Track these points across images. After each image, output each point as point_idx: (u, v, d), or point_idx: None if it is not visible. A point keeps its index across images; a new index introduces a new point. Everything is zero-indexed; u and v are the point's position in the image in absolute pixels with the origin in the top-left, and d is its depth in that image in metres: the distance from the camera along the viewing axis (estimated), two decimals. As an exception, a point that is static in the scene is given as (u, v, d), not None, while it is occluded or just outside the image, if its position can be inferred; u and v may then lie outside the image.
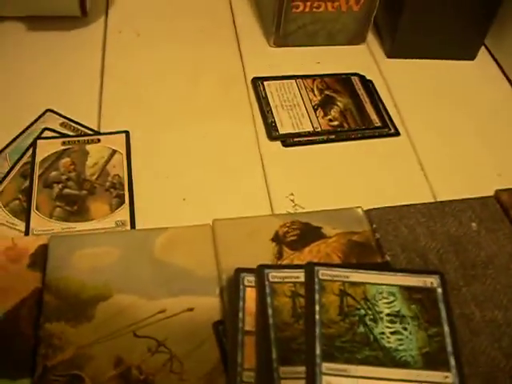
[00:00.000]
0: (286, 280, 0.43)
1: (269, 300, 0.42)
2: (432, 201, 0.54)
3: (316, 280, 0.43)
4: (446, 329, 0.42)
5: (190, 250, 0.48)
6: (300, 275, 0.44)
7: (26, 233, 0.51)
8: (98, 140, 0.58)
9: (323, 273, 0.44)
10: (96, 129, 0.59)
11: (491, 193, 0.54)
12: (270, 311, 0.42)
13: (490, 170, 0.58)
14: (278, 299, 0.42)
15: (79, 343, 0.42)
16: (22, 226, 0.51)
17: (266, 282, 0.43)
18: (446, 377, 0.40)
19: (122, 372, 0.41)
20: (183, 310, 0.44)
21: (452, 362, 0.40)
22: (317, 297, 0.42)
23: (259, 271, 0.44)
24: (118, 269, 0.47)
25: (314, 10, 0.64)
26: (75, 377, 0.41)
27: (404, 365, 0.40)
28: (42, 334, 0.42)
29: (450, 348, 0.41)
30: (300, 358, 0.40)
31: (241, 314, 0.42)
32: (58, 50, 0.66)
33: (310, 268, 0.44)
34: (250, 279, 0.44)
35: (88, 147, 0.57)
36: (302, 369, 0.39)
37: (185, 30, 0.70)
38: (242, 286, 0.43)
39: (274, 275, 0.44)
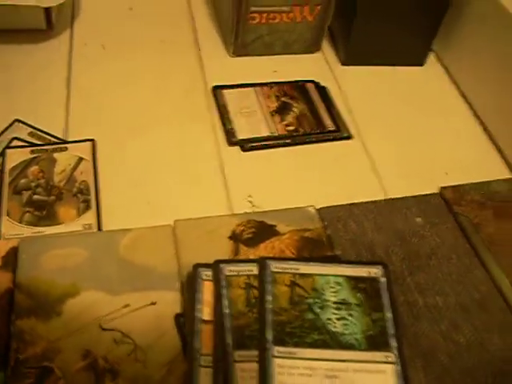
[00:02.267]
0: (241, 273, 0.47)
1: (224, 292, 0.45)
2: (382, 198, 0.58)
3: (268, 272, 0.47)
4: (389, 314, 0.45)
5: (152, 249, 0.51)
6: (254, 269, 0.47)
7: (-3, 237, 0.54)
8: (66, 148, 0.61)
9: (275, 266, 0.47)
10: (63, 138, 0.62)
11: (437, 191, 0.58)
12: (225, 302, 0.45)
13: (438, 169, 0.62)
14: (233, 291, 0.46)
15: (49, 338, 0.45)
16: (-8, 231, 0.54)
17: (222, 276, 0.46)
18: (388, 356, 0.43)
19: (90, 363, 0.44)
20: (146, 304, 0.48)
21: (393, 343, 0.44)
22: (269, 288, 0.46)
23: (215, 266, 0.47)
24: (85, 268, 0.49)
25: (270, 21, 0.68)
26: (46, 368, 0.43)
27: (349, 347, 0.43)
28: (14, 330, 0.45)
29: (391, 331, 0.45)
30: (253, 343, 0.43)
31: (198, 305, 0.45)
32: (25, 63, 0.69)
33: (262, 262, 0.47)
34: (207, 273, 0.47)
35: (56, 155, 0.60)
36: (256, 353, 0.43)
37: (148, 41, 0.73)
38: (199, 280, 0.46)
39: (229, 269, 0.47)
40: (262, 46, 0.70)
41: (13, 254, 0.50)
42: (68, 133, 0.62)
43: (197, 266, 0.47)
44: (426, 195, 0.56)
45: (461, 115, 0.68)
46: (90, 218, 0.56)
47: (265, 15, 0.67)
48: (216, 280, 0.46)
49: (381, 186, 0.60)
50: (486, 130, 0.66)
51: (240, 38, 0.69)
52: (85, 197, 0.57)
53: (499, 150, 0.63)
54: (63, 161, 0.60)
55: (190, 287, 0.46)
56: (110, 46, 0.72)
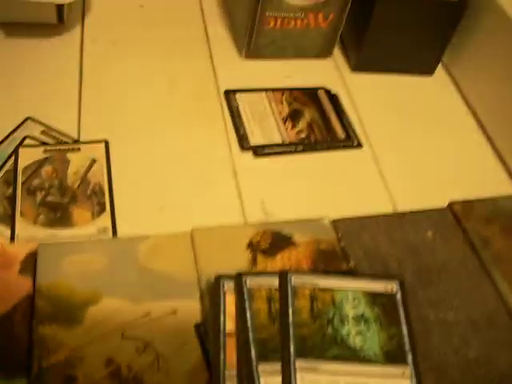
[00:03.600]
0: (263, 286, 0.48)
1: (247, 304, 0.46)
2: (391, 209, 0.59)
3: (289, 286, 0.48)
4: (405, 329, 0.47)
5: (171, 257, 0.52)
6: (275, 281, 0.48)
7: (12, 238, 0.53)
8: (79, 149, 0.61)
9: (296, 279, 0.48)
10: (76, 137, 0.62)
11: (445, 203, 0.59)
12: (248, 314, 0.46)
13: (445, 181, 0.63)
14: (255, 304, 0.47)
15: (71, 345, 0.46)
16: (6, 231, 0.54)
17: (244, 288, 0.47)
18: (404, 372, 0.45)
19: (113, 371, 0.45)
20: (167, 313, 0.48)
21: (409, 358, 0.46)
22: (290, 301, 0.47)
23: (238, 278, 0.48)
24: (106, 275, 0.50)
25: (285, 26, 0.68)
26: (70, 376, 0.44)
27: (367, 361, 0.45)
28: (36, 337, 0.46)
29: (407, 346, 0.46)
30: (276, 356, 0.44)
31: (222, 317, 0.46)
32: (36, 58, 0.68)
33: (283, 275, 0.48)
34: (229, 285, 0.48)
35: (69, 155, 0.60)
36: (278, 366, 0.44)
37: (159, 40, 0.73)
38: (222, 292, 0.47)
39: (251, 282, 0.48)
40: (274, 50, 0.71)
41: (32, 259, 0.50)
42: (81, 132, 0.62)
43: (219, 277, 0.48)
44: (437, 209, 0.58)
45: (468, 128, 0.70)
46: (104, 221, 0.56)
47: (279, 20, 0.67)
48: (239, 292, 0.47)
49: (389, 195, 0.61)
50: (492, 144, 0.68)
51: (253, 42, 0.69)
52: (99, 199, 0.57)
53: (505, 165, 0.65)
54: (76, 161, 0.60)
55: (212, 298, 0.47)
56: (120, 43, 0.72)
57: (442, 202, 0.59)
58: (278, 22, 0.68)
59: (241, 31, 0.70)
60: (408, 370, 0.45)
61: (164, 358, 0.46)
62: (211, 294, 0.48)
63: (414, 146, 0.66)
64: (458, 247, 0.55)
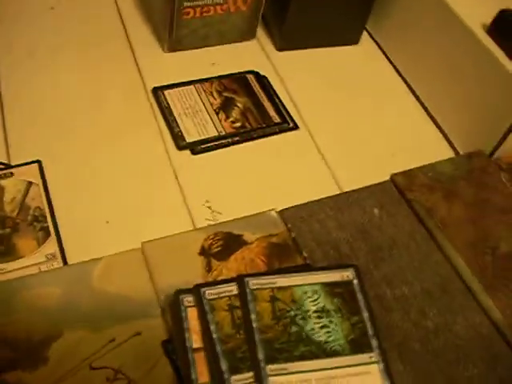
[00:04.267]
0: (222, 295, 0.48)
1: (209, 317, 0.47)
2: (337, 190, 0.60)
3: (248, 290, 0.48)
4: (366, 315, 0.48)
5: (125, 276, 0.51)
6: (233, 288, 0.48)
7: (-42, 279, 0.52)
8: (11, 174, 0.58)
9: (253, 283, 0.49)
10: (6, 161, 0.59)
11: (388, 175, 0.60)
12: (212, 327, 0.46)
13: (384, 151, 0.64)
14: (218, 314, 0.47)
15: (40, 387, 0.45)
16: (-49, 273, 0.52)
17: (204, 300, 0.47)
18: (371, 357, 0.47)
19: (87, 405, 0.45)
20: (131, 335, 0.48)
21: (374, 343, 0.47)
22: (251, 306, 0.47)
23: (196, 291, 0.48)
24: (63, 306, 0.49)
25: (204, 14, 0.66)
26: (43, 420, 0.44)
27: (335, 354, 0.46)
28: (2, 385, 0.45)
29: (370, 331, 0.48)
30: (246, 365, 0.45)
31: (187, 334, 0.46)
32: None
33: (240, 280, 0.49)
34: (189, 299, 0.48)
35: (2, 182, 0.58)
36: (250, 374, 0.45)
37: (76, 43, 0.70)
38: (183, 307, 0.47)
39: (210, 292, 0.48)
40: (196, 39, 0.69)
41: (-17, 302, 0.49)
42: (10, 155, 0.60)
43: (178, 292, 0.48)
44: (379, 184, 0.59)
45: (399, 95, 0.71)
46: (51, 246, 0.55)
47: (198, 9, 0.65)
48: (199, 305, 0.47)
49: (332, 176, 0.62)
50: (424, 108, 0.69)
51: (174, 34, 0.67)
52: (41, 224, 0.56)
53: (439, 128, 0.66)
54: (11, 187, 0.58)
55: (174, 314, 0.47)
56: (36, 52, 0.68)
57: (385, 175, 0.60)
58: (198, 11, 0.66)
59: (160, 25, 0.68)
60: (374, 354, 0.47)
61: (136, 382, 0.46)
62: (172, 310, 0.48)
63: (349, 120, 0.67)
64: (405, 220, 0.57)
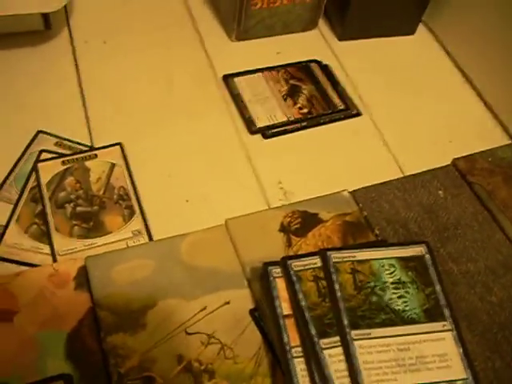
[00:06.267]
0: (307, 267, 0.52)
1: (297, 286, 0.50)
2: (399, 173, 0.63)
3: (330, 263, 0.52)
4: (438, 287, 0.52)
5: (211, 251, 0.55)
6: (317, 261, 0.52)
7: (52, 254, 0.55)
8: (95, 155, 0.62)
9: (335, 256, 0.52)
10: (89, 143, 0.63)
11: (448, 160, 0.63)
12: (300, 295, 0.50)
13: (442, 138, 0.67)
14: (304, 284, 0.51)
15: (141, 349, 0.49)
16: (46, 248, 0.56)
17: (291, 271, 0.51)
18: (445, 325, 0.50)
19: (185, 366, 0.49)
20: (221, 304, 0.52)
21: (446, 312, 0.51)
22: (334, 277, 0.51)
23: (283, 262, 0.52)
24: (155, 278, 0.53)
25: (271, 5, 0.70)
26: (147, 378, 0.48)
27: (411, 321, 0.50)
28: (107, 347, 0.49)
29: (443, 302, 0.51)
30: (333, 330, 0.49)
31: (277, 302, 0.50)
32: (30, 68, 0.68)
33: (323, 254, 0.52)
34: (277, 271, 0.51)
35: (88, 163, 0.61)
36: (337, 338, 0.48)
37: (148, 31, 0.74)
38: (271, 278, 0.51)
39: (296, 264, 0.52)
40: (262, 29, 0.73)
41: (83, 274, 0.53)
42: (93, 138, 0.63)
43: (266, 264, 0.52)
44: (442, 168, 0.63)
45: (456, 84, 0.73)
46: (137, 223, 0.59)
47: (266, 0, 0.69)
48: (287, 277, 0.51)
49: (395, 161, 0.65)
50: (481, 97, 0.72)
51: (243, 24, 0.71)
52: (126, 203, 0.60)
53: (496, 117, 0.69)
54: (96, 168, 0.61)
55: (263, 285, 0.51)
56: (110, 40, 0.72)
57: (445, 161, 0.64)
58: (265, 2, 0.69)
59: (228, 15, 0.71)
60: (447, 323, 0.50)
61: (228, 346, 0.50)
62: (261, 281, 0.51)
63: (408, 108, 0.70)
64: (467, 202, 0.60)
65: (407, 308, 0.51)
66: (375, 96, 0.71)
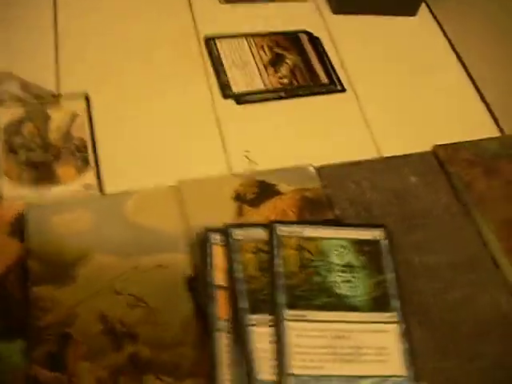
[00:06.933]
0: (250, 237, 0.49)
1: (234, 256, 0.47)
2: (376, 155, 0.59)
3: (275, 236, 0.48)
4: (390, 275, 0.48)
5: (158, 211, 0.52)
6: (262, 232, 0.49)
7: (-3, 198, 0.54)
8: (59, 103, 0.60)
9: (281, 229, 0.49)
10: (55, 90, 0.61)
11: (429, 146, 0.59)
12: (235, 266, 0.47)
13: (428, 123, 0.63)
14: (244, 255, 0.48)
15: (66, 304, 0.46)
16: (-8, 191, 0.54)
17: (231, 240, 0.48)
18: (391, 316, 0.46)
19: (107, 327, 0.46)
20: (154, 266, 0.49)
21: (395, 303, 0.47)
22: (277, 251, 0.48)
23: (225, 230, 0.48)
24: (94, 232, 0.51)
25: (264, -33, 0.66)
26: (65, 335, 0.45)
27: (355, 308, 0.46)
28: (31, 297, 0.46)
29: (393, 292, 0.48)
30: (267, 307, 0.45)
31: (210, 269, 0.47)
32: (9, 11, 0.66)
33: (270, 226, 0.49)
34: (217, 237, 0.48)
35: (49, 111, 0.59)
36: (269, 317, 0.45)
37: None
38: (209, 244, 0.48)
39: (238, 233, 0.49)
40: (253, -7, 0.69)
41: (19, 220, 0.51)
42: (60, 87, 0.61)
43: (207, 230, 0.49)
44: (420, 153, 0.59)
45: (451, 70, 0.69)
46: (89, 177, 0.56)
47: (258, -39, 0.66)
48: (227, 245, 0.48)
49: (373, 141, 0.61)
50: (475, 86, 0.67)
51: (231, -15, 0.68)
52: (83, 155, 0.57)
53: (488, 108, 0.65)
54: (57, 117, 0.59)
55: (201, 252, 0.48)
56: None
57: (427, 147, 0.59)
58: (258, -37, 0.66)
59: (218, -26, 0.68)
60: (394, 314, 0.47)
61: (156, 310, 0.47)
62: (200, 247, 0.48)
63: (397, 89, 0.66)
64: (442, 191, 0.56)
65: (352, 294, 0.47)
66: (365, 74, 0.67)
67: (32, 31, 0.65)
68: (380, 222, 0.53)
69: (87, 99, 0.60)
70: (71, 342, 0.45)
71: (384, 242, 0.50)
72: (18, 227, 0.50)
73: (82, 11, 0.68)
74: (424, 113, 0.64)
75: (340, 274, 0.48)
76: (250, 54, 0.66)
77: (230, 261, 0.47)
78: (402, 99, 0.65)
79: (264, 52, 0.66)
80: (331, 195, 0.54)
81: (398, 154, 0.59)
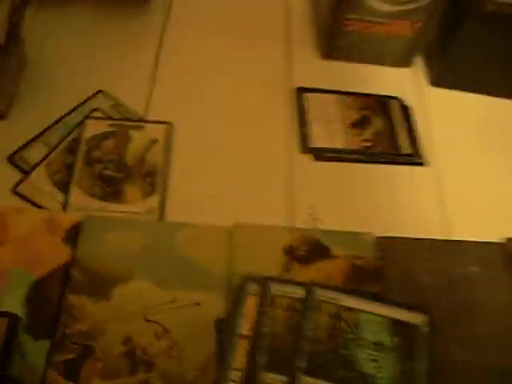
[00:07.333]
0: (287, 294, 0.48)
1: (267, 309, 0.46)
2: (442, 236, 0.56)
3: (311, 299, 0.47)
4: (421, 365, 0.45)
5: (208, 249, 0.53)
6: (300, 292, 0.48)
7: (64, 205, 0.56)
8: (142, 127, 0.62)
9: (320, 293, 0.47)
10: (143, 115, 0.63)
11: (501, 238, 0.56)
12: (265, 320, 0.46)
13: (506, 214, 0.59)
14: (276, 311, 0.47)
15: (95, 318, 0.48)
16: (61, 197, 0.56)
17: (268, 293, 0.47)
18: (413, 409, 0.44)
19: (129, 350, 0.47)
20: (190, 304, 0.49)
21: (420, 396, 0.44)
22: (310, 314, 0.46)
23: (263, 282, 0.48)
24: (141, 255, 0.52)
25: (366, 30, 0.66)
26: (88, 347, 0.46)
27: (376, 391, 0.44)
28: (65, 303, 0.48)
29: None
30: (285, 368, 0.44)
31: (238, 319, 0.46)
32: (118, 34, 0.70)
33: (309, 287, 0.48)
34: (254, 288, 0.48)
35: (132, 132, 0.62)
36: (285, 378, 0.44)
37: (241, 23, 0.73)
38: (244, 293, 0.47)
39: (276, 288, 0.48)
40: (352, 53, 0.69)
41: (75, 228, 0.53)
42: (148, 111, 0.64)
43: (246, 278, 0.48)
44: (488, 243, 0.55)
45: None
46: (153, 201, 0.57)
47: (360, 23, 0.65)
48: (261, 297, 0.47)
49: (444, 221, 0.58)
50: None
51: (332, 42, 0.68)
52: (152, 180, 0.59)
53: None
54: (138, 139, 0.62)
55: (235, 298, 0.48)
56: (203, 24, 0.72)
57: (497, 238, 0.56)
58: (359, 25, 0.66)
59: (322, 29, 0.69)
60: (418, 407, 0.44)
61: (179, 346, 0.47)
62: (235, 293, 0.48)
63: (482, 172, 0.63)
64: (502, 288, 0.52)
65: (378, 375, 0.45)
66: (451, 152, 0.64)
67: (135, 55, 0.69)
68: (429, 305, 0.50)
69: (169, 128, 0.62)
70: (91, 355, 0.46)
71: (424, 329, 0.47)
72: (73, 235, 0.52)
73: (184, 48, 0.71)
74: (503, 202, 0.60)
75: (368, 350, 0.45)
76: (337, 111, 0.65)
77: (260, 313, 0.46)
78: (484, 183, 0.62)
79: (351, 111, 0.65)
80: (385, 268, 0.52)
81: (465, 238, 0.56)
